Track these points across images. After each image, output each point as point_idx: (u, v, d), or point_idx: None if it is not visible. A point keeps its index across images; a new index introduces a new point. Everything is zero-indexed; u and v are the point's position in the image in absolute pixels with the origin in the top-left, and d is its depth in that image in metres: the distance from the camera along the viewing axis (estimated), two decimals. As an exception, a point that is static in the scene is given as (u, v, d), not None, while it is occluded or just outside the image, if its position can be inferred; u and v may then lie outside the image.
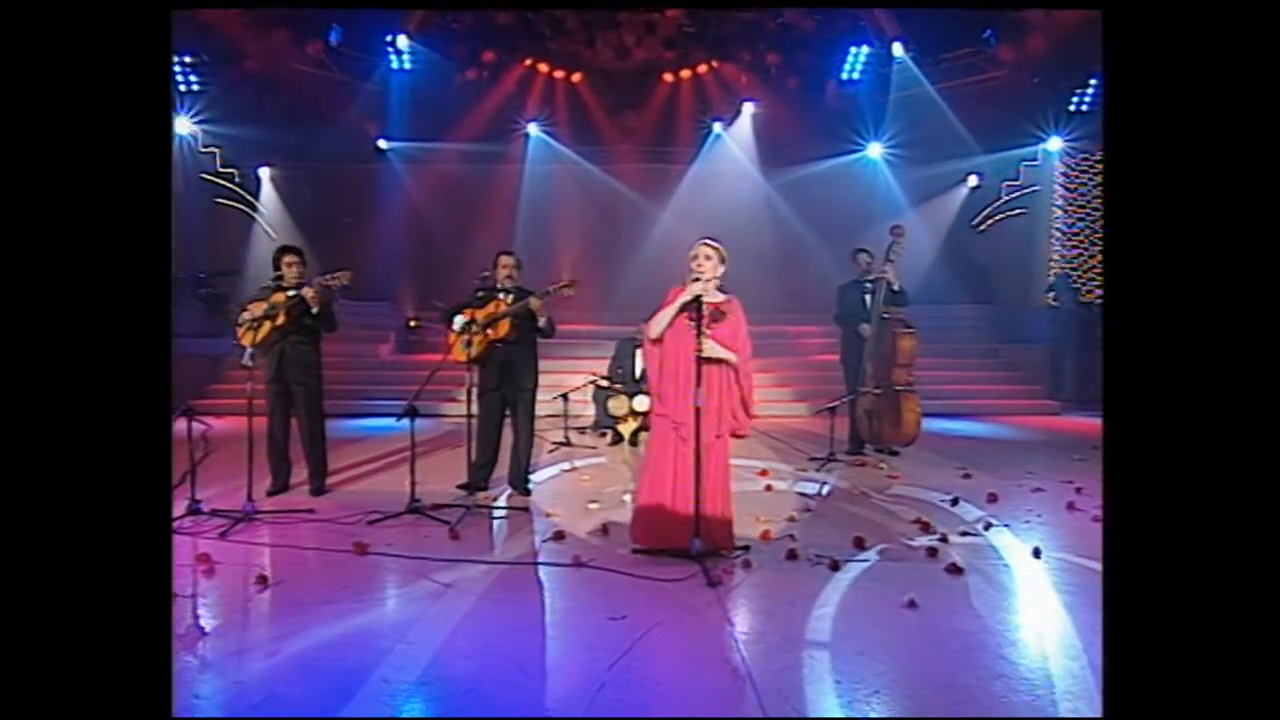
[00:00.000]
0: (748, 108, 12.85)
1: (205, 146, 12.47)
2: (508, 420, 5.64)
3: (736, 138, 13.05)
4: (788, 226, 12.75)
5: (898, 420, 6.36)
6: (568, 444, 7.41)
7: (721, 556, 4.24)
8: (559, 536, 4.64)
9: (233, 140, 12.17)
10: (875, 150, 12.89)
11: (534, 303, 5.21)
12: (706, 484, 4.23)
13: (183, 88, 10.42)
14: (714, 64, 12.28)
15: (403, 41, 10.31)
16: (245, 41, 9.37)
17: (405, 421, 4.96)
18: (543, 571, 4.11)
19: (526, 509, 5.24)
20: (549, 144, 12.88)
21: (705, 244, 4.36)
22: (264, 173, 12.74)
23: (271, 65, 10.20)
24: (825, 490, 5.85)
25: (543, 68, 12.03)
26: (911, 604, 3.63)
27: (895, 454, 6.95)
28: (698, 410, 4.12)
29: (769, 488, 5.86)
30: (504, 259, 5.52)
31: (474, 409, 5.38)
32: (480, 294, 5.43)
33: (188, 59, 10.03)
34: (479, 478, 5.64)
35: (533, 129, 12.83)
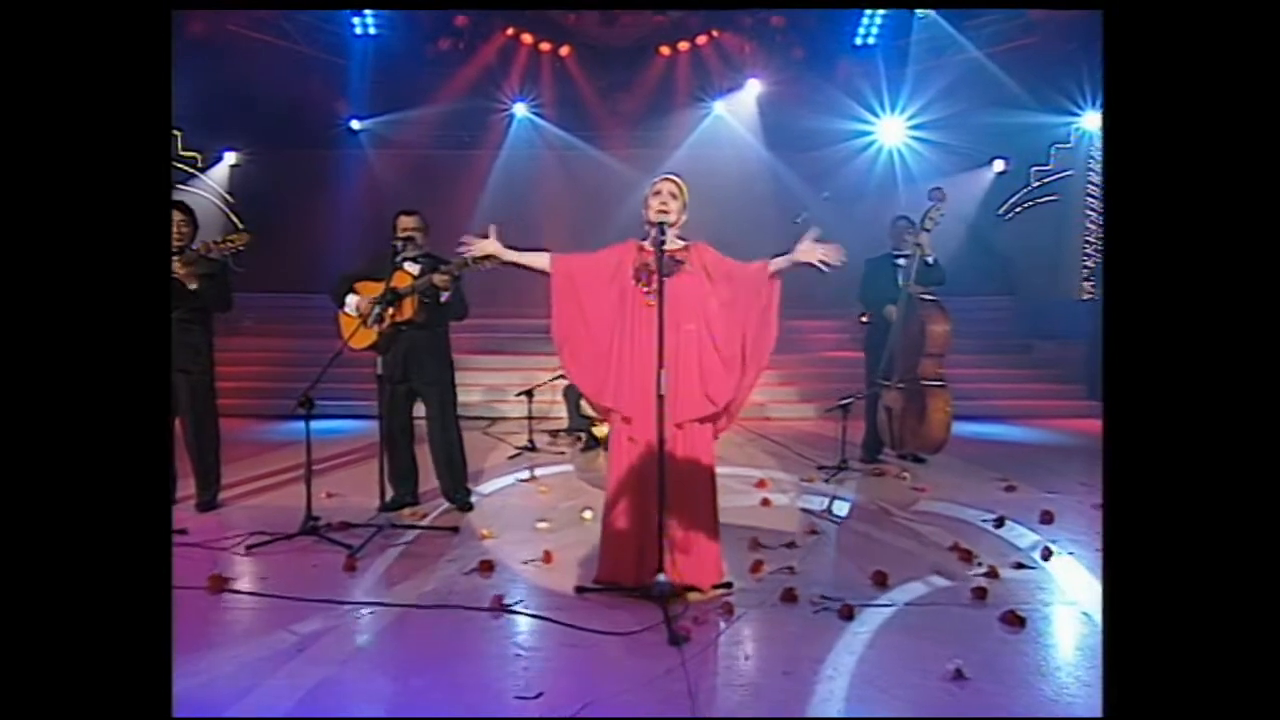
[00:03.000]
0: (752, 84, 11.77)
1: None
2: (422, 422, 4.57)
3: (740, 117, 11.97)
4: (797, 213, 11.65)
5: (924, 420, 5.23)
6: (532, 449, 6.33)
7: (695, 598, 3.17)
8: (485, 568, 3.57)
9: (191, 122, 11.21)
10: (893, 128, 11.77)
11: (438, 278, 4.14)
12: (676, 493, 3.18)
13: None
14: (714, 33, 11.23)
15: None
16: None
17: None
18: (449, 617, 3.05)
19: (457, 529, 4.16)
20: (536, 125, 11.86)
21: (669, 179, 3.31)
22: (228, 158, 11.79)
23: (218, 29, 9.24)
24: (835, 507, 4.74)
25: (526, 39, 11.00)
26: (958, 675, 2.53)
27: (921, 461, 5.82)
28: (660, 399, 3.03)
29: (766, 503, 4.76)
30: (403, 219, 4.44)
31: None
32: (395, 262, 4.35)
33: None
34: (402, 492, 4.57)
35: (520, 109, 11.80)
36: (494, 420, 7.91)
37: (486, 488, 5.19)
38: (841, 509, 4.70)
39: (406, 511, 4.47)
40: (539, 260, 3.31)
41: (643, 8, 10.60)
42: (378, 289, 4.24)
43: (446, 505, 4.59)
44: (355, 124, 11.63)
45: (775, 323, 3.31)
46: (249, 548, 3.79)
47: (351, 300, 4.33)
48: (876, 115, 11.62)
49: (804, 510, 4.64)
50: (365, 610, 3.10)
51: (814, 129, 11.54)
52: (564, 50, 11.36)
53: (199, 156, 11.75)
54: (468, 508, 4.56)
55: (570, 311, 3.30)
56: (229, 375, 8.24)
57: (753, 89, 11.78)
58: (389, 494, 4.52)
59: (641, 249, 3.33)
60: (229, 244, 4.13)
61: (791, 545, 3.93)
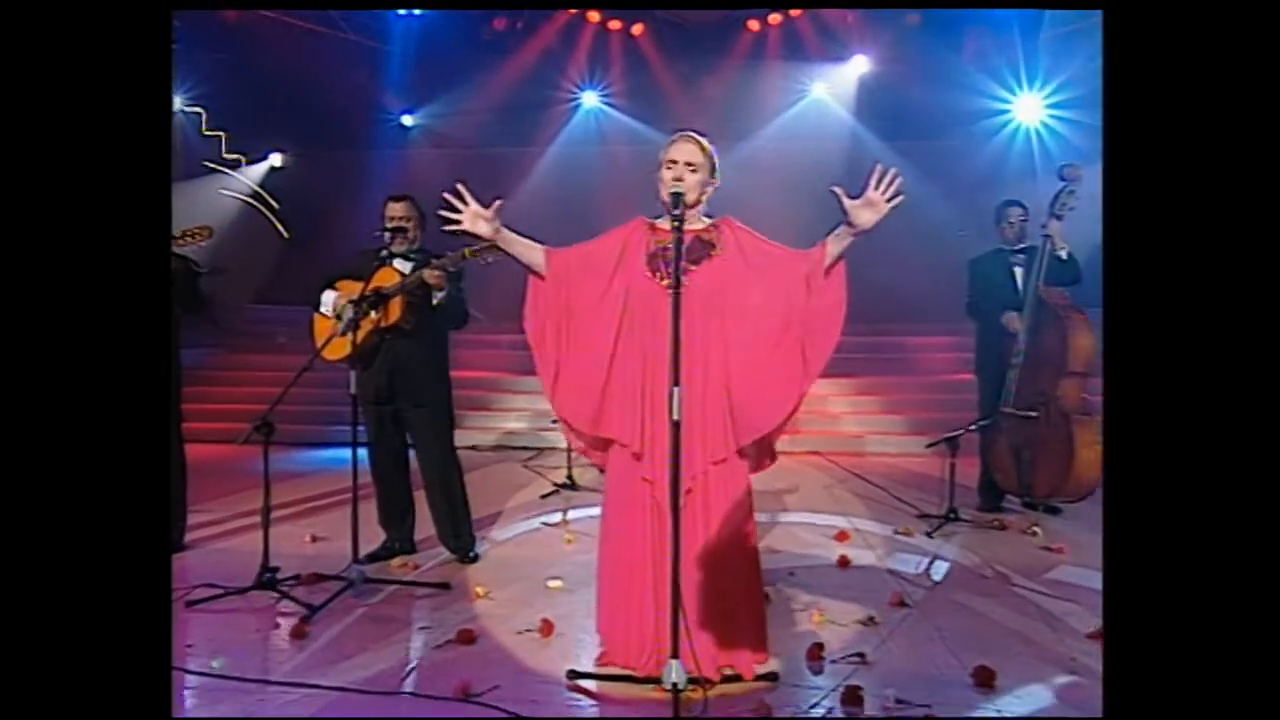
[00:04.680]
0: (858, 61, 11.10)
1: (210, 129, 11.84)
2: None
3: (843, 99, 11.32)
4: (912, 211, 10.84)
5: (1065, 460, 4.45)
6: (571, 486, 5.86)
7: (723, 691, 2.63)
8: (464, 638, 3.11)
9: (236, 121, 11.48)
10: (1029, 107, 10.82)
11: (429, 274, 3.72)
12: (701, 551, 2.69)
13: (153, 47, 9.71)
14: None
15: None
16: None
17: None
18: (403, 707, 2.59)
19: (448, 586, 3.72)
20: (607, 115, 11.53)
21: (688, 137, 2.79)
22: (273, 159, 11.99)
23: (250, 13, 9.33)
24: (936, 570, 4.05)
25: (593, 16, 10.71)
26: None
27: (1056, 512, 5.03)
28: (675, 426, 2.49)
29: (844, 562, 4.11)
30: (392, 206, 4.07)
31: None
32: (381, 257, 3.98)
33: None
34: (394, 537, 4.18)
35: (589, 98, 11.51)
36: (538, 451, 7.49)
37: (503, 532, 4.77)
38: (943, 573, 4.00)
39: (396, 562, 4.07)
40: (534, 254, 2.83)
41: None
42: (371, 288, 3.89)
43: (446, 555, 4.16)
44: (407, 119, 11.62)
45: (837, 322, 2.75)
46: (189, 604, 3.44)
47: (329, 298, 3.99)
48: (1013, 91, 10.69)
49: (893, 573, 3.97)
50: (294, 695, 2.67)
51: (933, 110, 10.74)
52: (636, 29, 11.00)
53: (243, 159, 12.01)
54: (470, 558, 4.12)
55: (556, 319, 2.81)
56: (248, 397, 8.25)
57: (857, 66, 11.11)
58: (382, 539, 4.17)
59: (654, 228, 2.82)
60: (189, 238, 3.87)
61: (869, 622, 3.30)
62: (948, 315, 8.20)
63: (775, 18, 10.99)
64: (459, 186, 2.74)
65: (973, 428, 4.95)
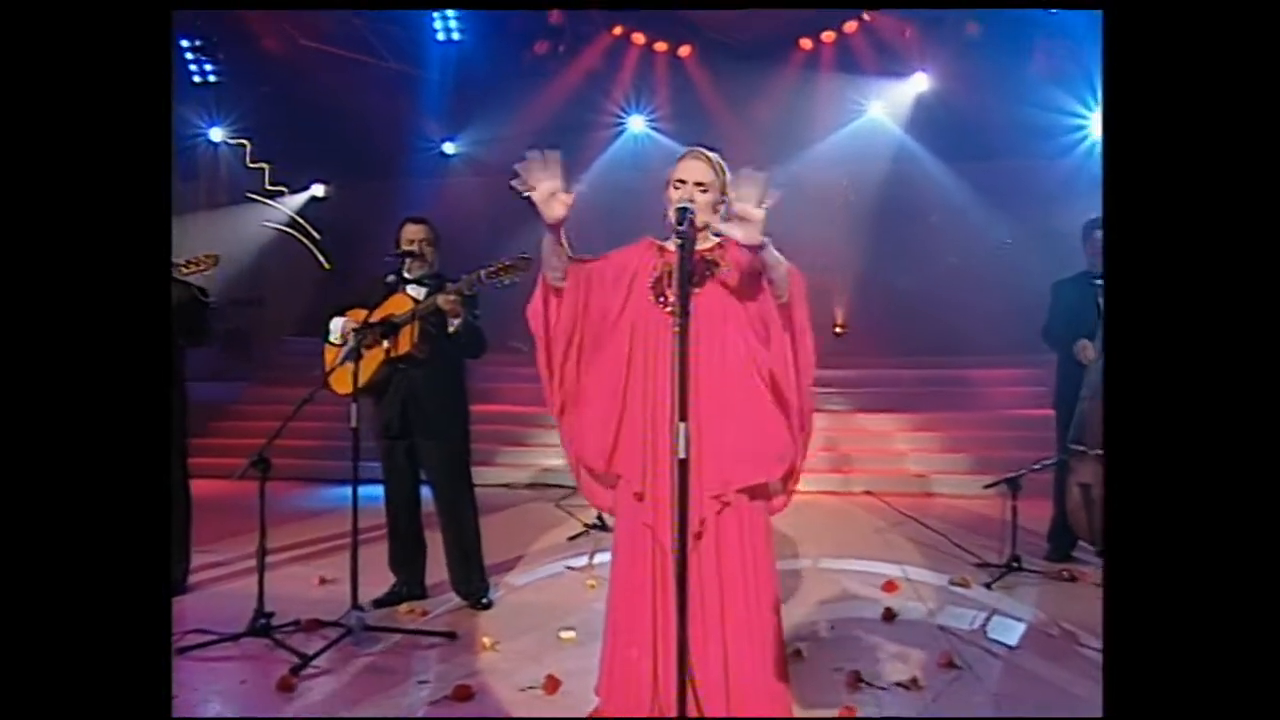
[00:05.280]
0: (918, 79, 10.87)
1: (253, 161, 12.14)
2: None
3: (901, 119, 11.08)
4: (975, 236, 10.57)
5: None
6: (601, 527, 5.67)
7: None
8: (461, 695, 2.96)
9: (280, 152, 11.75)
10: (1100, 125, 10.42)
11: (443, 300, 3.62)
12: (711, 604, 2.50)
13: (196, 79, 9.98)
14: (866, 16, 10.48)
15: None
16: (251, 12, 8.75)
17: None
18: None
19: (454, 635, 3.57)
20: (653, 140, 11.48)
21: (696, 155, 2.64)
22: (315, 190, 12.23)
23: (291, 44, 9.54)
24: (994, 627, 3.76)
25: (638, 38, 10.70)
26: None
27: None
28: (682, 464, 2.31)
29: (889, 615, 3.84)
30: (408, 229, 4.00)
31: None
32: (389, 281, 3.91)
33: (196, 43, 9.57)
34: (403, 581, 4.07)
35: (636, 123, 11.48)
36: (573, 490, 7.32)
37: (522, 576, 4.62)
38: (1003, 631, 3.71)
39: (404, 608, 3.95)
40: (559, 257, 2.58)
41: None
42: (381, 316, 3.82)
43: (458, 601, 4.01)
44: (449, 147, 11.74)
45: (804, 342, 2.59)
46: (178, 650, 3.35)
47: (337, 325, 3.94)
48: (1089, 105, 10.30)
49: (944, 629, 3.70)
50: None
51: (999, 128, 10.42)
52: (683, 50, 10.96)
53: (286, 190, 12.27)
54: (482, 605, 3.97)
55: (569, 339, 2.66)
56: (285, 432, 8.30)
57: (917, 84, 10.88)
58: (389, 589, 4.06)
59: (662, 250, 2.67)
60: (195, 265, 3.85)
61: (911, 685, 3.05)
62: (1018, 345, 7.87)
63: (828, 35, 10.84)
64: (552, 152, 2.47)
65: (1036, 467, 4.65)
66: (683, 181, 2.58)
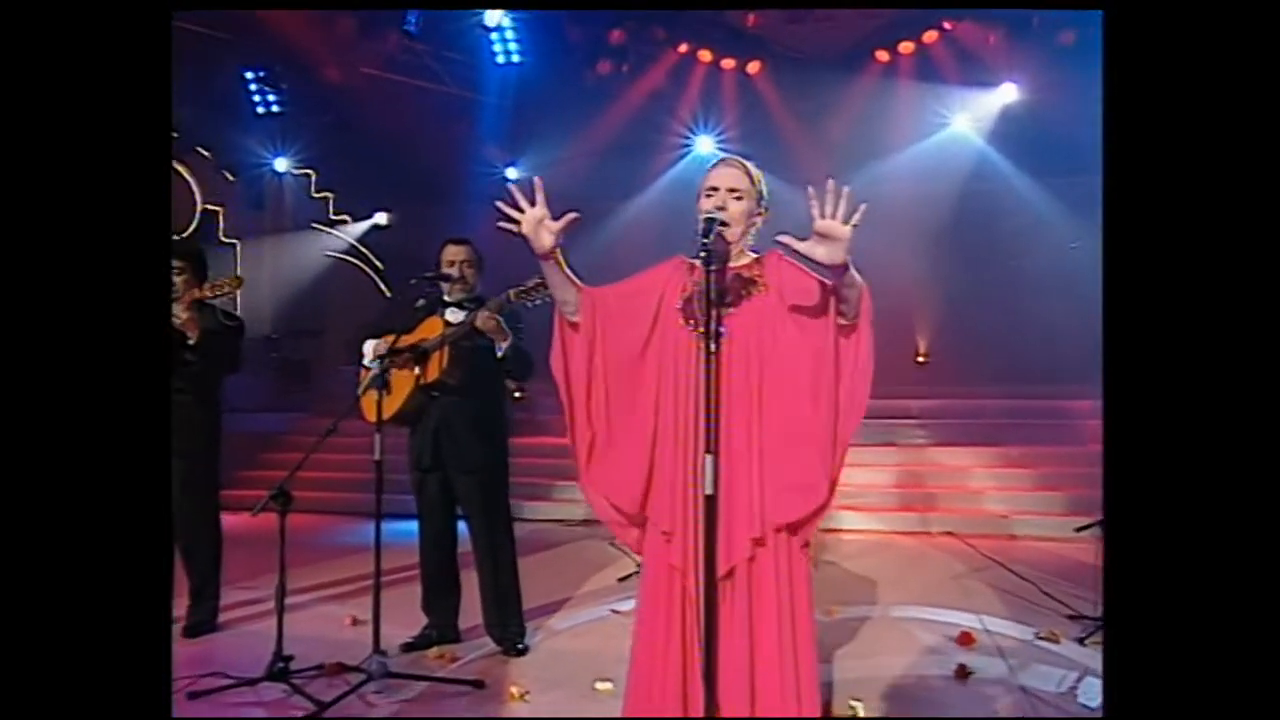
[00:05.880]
0: (1006, 90, 10.49)
1: (318, 191, 12.45)
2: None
3: (987, 132, 10.73)
4: (1066, 257, 10.10)
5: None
6: (655, 569, 5.49)
7: None
8: (480, 752, 2.79)
9: (343, 181, 12.04)
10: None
11: (482, 318, 3.52)
12: (737, 661, 2.30)
13: (260, 110, 10.29)
14: (947, 25, 10.19)
15: (495, 15, 9.13)
16: (310, 40, 8.95)
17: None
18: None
19: (482, 684, 3.43)
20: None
21: (730, 162, 2.52)
22: (378, 218, 12.47)
23: (352, 72, 9.75)
24: (1083, 690, 3.44)
25: (704, 55, 10.62)
26: None
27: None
28: (709, 500, 2.15)
29: (962, 671, 3.56)
30: (450, 249, 3.91)
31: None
32: (419, 305, 3.85)
33: (259, 74, 9.88)
34: (434, 624, 3.96)
35: (704, 144, 11.38)
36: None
37: (565, 620, 4.45)
38: (1097, 694, 3.39)
39: (434, 652, 3.84)
40: (569, 291, 2.49)
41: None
42: (411, 340, 3.76)
43: (492, 646, 3.88)
44: (511, 172, 11.83)
45: (860, 369, 2.39)
46: (191, 695, 3.29)
47: (370, 347, 3.87)
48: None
49: (1026, 690, 3.40)
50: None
51: (1094, 141, 9.98)
52: (752, 67, 10.85)
53: (350, 218, 12.53)
54: (517, 651, 3.82)
55: (591, 374, 2.52)
56: (333, 464, 8.35)
57: (1004, 95, 10.52)
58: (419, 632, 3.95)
59: (693, 268, 2.51)
60: (219, 288, 3.86)
61: (983, 756, 2.77)
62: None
63: (906, 46, 10.58)
64: (536, 180, 2.44)
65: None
66: (714, 189, 2.45)
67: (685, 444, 2.35)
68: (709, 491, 2.17)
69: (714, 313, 2.35)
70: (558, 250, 2.41)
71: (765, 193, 2.52)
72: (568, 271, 2.47)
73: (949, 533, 6.62)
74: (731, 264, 2.45)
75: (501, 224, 2.41)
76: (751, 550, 2.33)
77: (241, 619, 4.41)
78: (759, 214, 2.50)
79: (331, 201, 12.59)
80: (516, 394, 9.44)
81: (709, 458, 2.18)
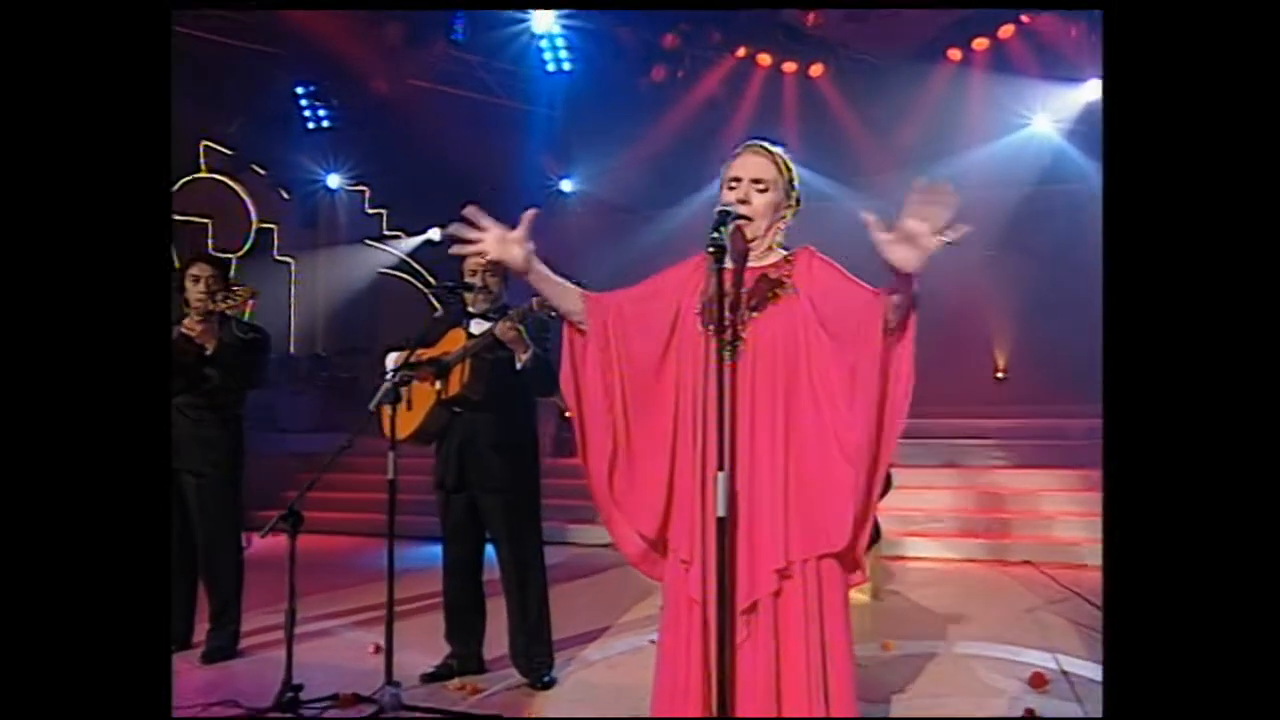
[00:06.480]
0: (1093, 86, 10.08)
1: (372, 207, 12.64)
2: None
3: (1071, 132, 10.33)
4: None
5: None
6: (702, 597, 5.30)
7: None
8: (488, 795, 2.66)
9: (397, 197, 12.20)
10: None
11: (503, 327, 3.40)
12: (762, 703, 2.14)
13: (310, 125, 10.48)
14: (1024, 19, 9.85)
15: (544, 22, 9.11)
16: (358, 53, 9.07)
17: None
18: None
19: (500, 720, 3.30)
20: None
21: (755, 149, 2.34)
22: (431, 234, 12.60)
23: (400, 85, 9.85)
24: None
25: (764, 59, 10.45)
26: None
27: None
28: (721, 523, 2.00)
29: (1031, 715, 3.30)
30: (473, 258, 3.78)
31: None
32: (438, 316, 3.78)
33: (309, 89, 10.07)
34: (457, 653, 3.85)
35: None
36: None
37: (600, 651, 4.31)
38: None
39: (455, 683, 3.72)
40: (569, 299, 2.38)
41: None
42: (433, 353, 3.69)
43: (517, 677, 3.75)
44: (566, 185, 11.83)
45: (900, 385, 2.16)
46: (196, 723, 3.23)
47: (392, 359, 3.80)
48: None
49: (1102, 740, 3.12)
50: None
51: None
52: (814, 70, 10.66)
53: (403, 234, 12.67)
54: (544, 684, 3.68)
55: (605, 386, 2.38)
56: (379, 486, 8.33)
57: (1089, 91, 10.12)
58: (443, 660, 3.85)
59: (722, 270, 2.34)
60: (234, 297, 3.83)
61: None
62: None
63: (981, 42, 10.29)
64: (471, 209, 2.35)
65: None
66: (737, 180, 2.29)
67: (705, 461, 2.19)
68: (721, 513, 2.03)
69: (726, 315, 2.21)
70: (534, 261, 2.30)
71: (796, 183, 2.36)
72: (558, 280, 2.36)
73: (1026, 561, 6.30)
74: (756, 263, 2.30)
75: (457, 249, 2.36)
76: (777, 583, 2.15)
77: (264, 645, 4.35)
78: (789, 207, 2.34)
79: (385, 217, 12.78)
80: (567, 412, 9.34)
81: (721, 475, 2.04)
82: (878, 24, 10.31)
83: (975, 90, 10.42)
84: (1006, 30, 10.17)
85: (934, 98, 10.48)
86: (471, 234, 2.30)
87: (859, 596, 5.26)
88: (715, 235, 2.11)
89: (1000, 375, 10.87)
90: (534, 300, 3.42)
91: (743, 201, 2.26)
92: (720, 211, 2.18)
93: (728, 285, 2.25)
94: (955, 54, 10.47)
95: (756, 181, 2.27)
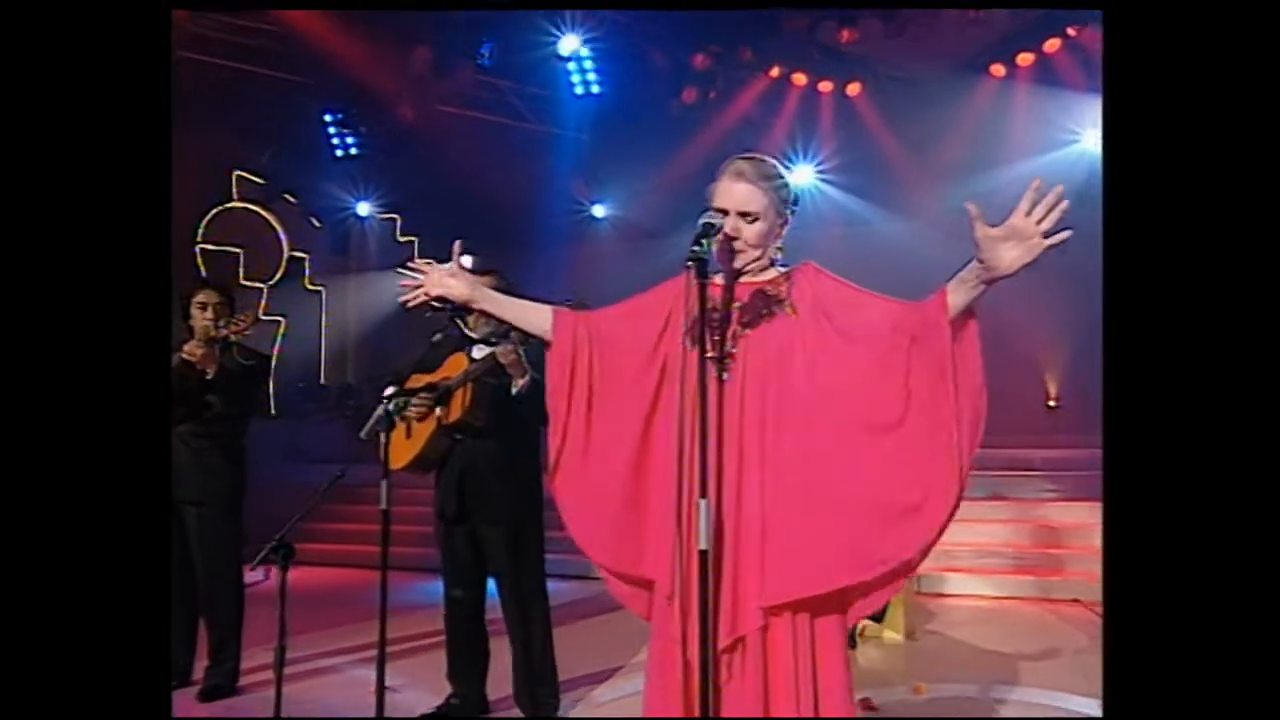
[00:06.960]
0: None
1: (403, 235, 12.75)
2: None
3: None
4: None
5: None
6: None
7: None
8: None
9: (428, 224, 12.29)
10: None
11: (503, 351, 3.34)
12: None
13: (339, 153, 10.63)
14: (1071, 31, 9.68)
15: (570, 44, 9.13)
16: (386, 79, 9.20)
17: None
18: None
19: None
20: (824, 195, 11.06)
21: (737, 174, 2.18)
22: (465, 262, 12.63)
23: (428, 111, 9.95)
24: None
25: (799, 79, 10.39)
26: None
27: None
28: (703, 557, 1.90)
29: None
30: (479, 279, 3.76)
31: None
32: (435, 339, 3.73)
33: (337, 117, 10.24)
34: (461, 692, 3.76)
35: (804, 174, 11.12)
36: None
37: (612, 690, 4.21)
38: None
39: (456, 727, 3.61)
40: (537, 317, 2.36)
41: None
42: (433, 378, 3.65)
43: (520, 718, 3.65)
44: (598, 210, 11.83)
45: (979, 413, 2.02)
46: (180, 765, 3.17)
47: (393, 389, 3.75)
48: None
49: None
50: None
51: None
52: (852, 88, 10.57)
53: (434, 262, 12.75)
54: (545, 725, 3.58)
55: (573, 405, 2.30)
56: (407, 517, 8.30)
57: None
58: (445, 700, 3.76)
59: (706, 285, 2.25)
60: (235, 324, 3.83)
61: None
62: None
63: (1025, 57, 10.13)
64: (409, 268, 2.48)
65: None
66: (724, 212, 2.17)
67: (692, 490, 2.08)
68: (703, 546, 1.93)
69: (707, 334, 2.12)
70: (480, 290, 2.39)
71: (789, 197, 2.25)
72: (517, 303, 2.40)
73: (1075, 600, 6.06)
74: (751, 278, 2.20)
75: (402, 298, 2.46)
76: (763, 619, 2.04)
77: (265, 683, 4.28)
78: (783, 223, 2.24)
79: (417, 245, 12.88)
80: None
81: (703, 502, 1.93)
82: (916, 41, 10.22)
83: (1020, 106, 10.24)
84: (1053, 44, 9.99)
85: (976, 113, 10.32)
86: (409, 280, 2.43)
87: (892, 636, 5.08)
88: (695, 249, 2.02)
89: (1052, 404, 10.59)
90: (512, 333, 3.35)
91: (732, 238, 2.16)
92: (704, 224, 2.09)
93: (717, 300, 2.18)
94: (999, 69, 10.32)
95: (744, 214, 2.16)
